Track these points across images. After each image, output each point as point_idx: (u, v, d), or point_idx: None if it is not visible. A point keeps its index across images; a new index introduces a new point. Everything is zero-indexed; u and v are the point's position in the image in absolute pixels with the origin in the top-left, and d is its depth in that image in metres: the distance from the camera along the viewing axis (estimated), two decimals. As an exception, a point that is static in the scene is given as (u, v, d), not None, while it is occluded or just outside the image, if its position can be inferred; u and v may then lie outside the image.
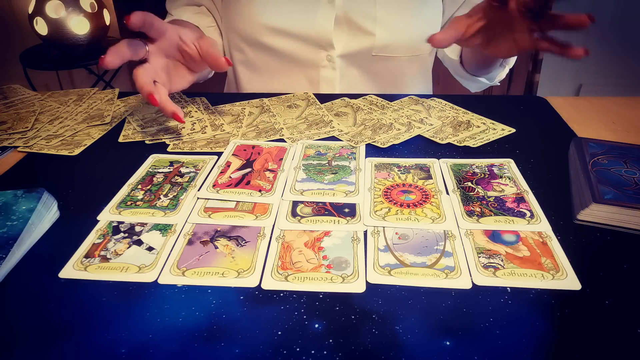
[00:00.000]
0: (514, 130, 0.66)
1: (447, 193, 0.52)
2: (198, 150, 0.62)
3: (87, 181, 0.56)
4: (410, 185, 0.54)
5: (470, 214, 0.48)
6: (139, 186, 0.54)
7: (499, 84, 0.87)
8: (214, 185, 0.53)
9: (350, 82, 0.84)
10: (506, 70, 0.83)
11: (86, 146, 0.64)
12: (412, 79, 0.88)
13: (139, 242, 0.45)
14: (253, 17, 0.79)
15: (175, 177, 0.56)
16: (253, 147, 0.62)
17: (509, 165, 0.57)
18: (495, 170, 0.56)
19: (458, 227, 0.47)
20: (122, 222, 0.48)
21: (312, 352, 0.34)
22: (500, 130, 0.66)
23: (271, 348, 0.35)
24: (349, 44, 0.80)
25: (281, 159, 0.59)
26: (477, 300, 0.39)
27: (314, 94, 0.77)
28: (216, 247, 0.45)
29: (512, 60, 0.81)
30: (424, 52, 0.85)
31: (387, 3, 0.78)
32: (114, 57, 0.57)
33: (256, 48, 0.83)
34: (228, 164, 0.58)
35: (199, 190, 0.53)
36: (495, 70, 0.82)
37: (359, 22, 0.78)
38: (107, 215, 0.49)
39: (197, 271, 0.42)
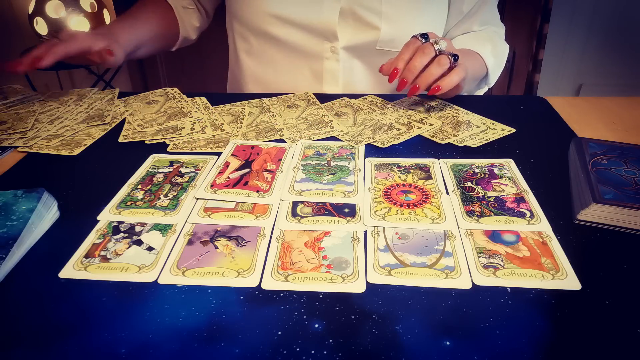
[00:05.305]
0: (514, 130, 0.66)
1: (447, 193, 0.52)
2: (198, 150, 0.62)
3: (87, 181, 0.56)
4: (410, 185, 0.54)
5: (470, 214, 0.48)
6: (139, 186, 0.54)
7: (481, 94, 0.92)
8: (212, 186, 0.53)
9: (354, 74, 0.85)
10: (485, 89, 0.89)
11: (86, 146, 0.64)
12: None
13: (139, 242, 0.45)
14: (258, 6, 0.80)
15: (175, 177, 0.56)
16: (252, 147, 0.62)
17: (509, 165, 0.57)
18: (495, 170, 0.56)
19: (458, 227, 0.47)
20: (122, 222, 0.48)
21: (312, 352, 0.34)
22: (500, 130, 0.66)
23: (271, 348, 0.35)
24: (354, 37, 0.81)
25: (280, 160, 0.59)
26: (477, 300, 0.39)
27: (314, 94, 0.77)
28: (216, 247, 0.45)
29: (493, 81, 0.86)
30: None
31: None
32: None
33: (260, 37, 0.83)
34: (227, 164, 0.58)
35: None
36: (473, 89, 0.88)
37: (364, 16, 0.78)
38: (107, 215, 0.49)
39: (197, 271, 0.42)
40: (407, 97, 0.66)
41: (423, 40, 0.68)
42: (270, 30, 0.81)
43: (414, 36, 0.69)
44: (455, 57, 0.67)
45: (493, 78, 0.86)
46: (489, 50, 0.82)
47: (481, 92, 0.90)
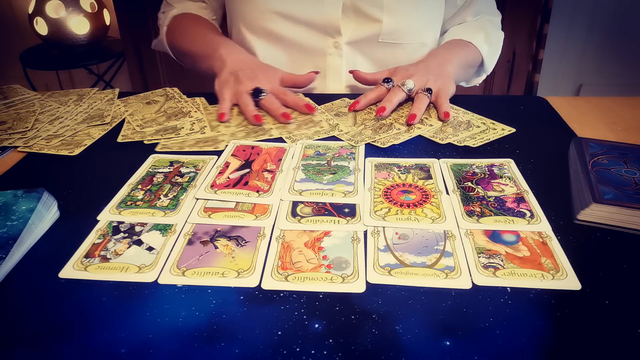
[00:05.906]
0: (514, 130, 0.66)
1: (447, 193, 0.52)
2: (187, 149, 0.62)
3: (87, 181, 0.56)
4: (410, 185, 0.54)
5: (470, 214, 0.48)
6: (139, 186, 0.54)
7: (477, 85, 0.93)
8: (212, 186, 0.53)
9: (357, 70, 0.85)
10: (483, 77, 0.91)
11: (86, 146, 0.64)
12: None
13: (139, 242, 0.45)
14: (260, 4, 0.80)
15: (175, 177, 0.56)
16: (252, 147, 0.62)
17: (509, 165, 0.57)
18: (495, 170, 0.56)
19: (458, 227, 0.47)
20: (122, 222, 0.48)
21: (312, 352, 0.34)
22: (500, 130, 0.66)
23: (271, 348, 0.35)
24: (357, 31, 0.81)
25: (280, 160, 0.59)
26: (477, 300, 0.39)
27: (314, 94, 0.77)
28: (216, 247, 0.45)
29: (489, 68, 0.88)
30: (429, 40, 0.86)
31: None
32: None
33: (262, 36, 0.84)
34: (227, 165, 0.58)
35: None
36: (472, 77, 0.90)
37: (366, 9, 0.79)
38: (107, 215, 0.49)
39: (197, 271, 0.42)
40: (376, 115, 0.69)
41: (387, 85, 0.72)
42: (272, 28, 0.81)
43: (379, 84, 0.73)
44: (429, 90, 0.70)
45: (489, 65, 0.87)
46: (481, 39, 0.84)
47: (480, 79, 0.91)
